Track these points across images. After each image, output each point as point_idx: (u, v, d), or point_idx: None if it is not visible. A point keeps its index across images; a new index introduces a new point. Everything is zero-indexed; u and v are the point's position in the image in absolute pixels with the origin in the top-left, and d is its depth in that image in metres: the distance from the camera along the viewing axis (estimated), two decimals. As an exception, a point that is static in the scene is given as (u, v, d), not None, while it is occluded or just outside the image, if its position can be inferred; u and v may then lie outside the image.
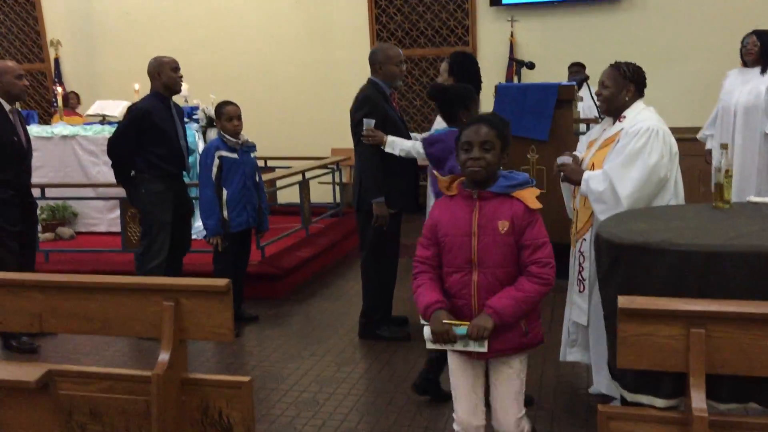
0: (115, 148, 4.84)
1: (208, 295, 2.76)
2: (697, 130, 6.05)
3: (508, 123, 2.67)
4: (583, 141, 3.76)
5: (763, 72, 5.48)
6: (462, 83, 4.39)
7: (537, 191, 2.59)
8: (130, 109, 4.92)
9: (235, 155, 4.79)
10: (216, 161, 4.73)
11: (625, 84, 3.37)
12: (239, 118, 4.81)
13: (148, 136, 4.75)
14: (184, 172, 5.12)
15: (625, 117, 3.37)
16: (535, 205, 2.54)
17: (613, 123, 3.43)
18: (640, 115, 3.34)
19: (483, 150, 2.52)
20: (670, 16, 8.04)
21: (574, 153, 3.66)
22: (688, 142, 6.07)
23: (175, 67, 4.81)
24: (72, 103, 9.32)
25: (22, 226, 4.67)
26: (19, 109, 4.83)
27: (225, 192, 4.79)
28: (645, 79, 3.43)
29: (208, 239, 4.81)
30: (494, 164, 2.55)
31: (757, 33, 5.52)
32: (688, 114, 7.46)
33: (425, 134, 4.24)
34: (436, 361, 3.64)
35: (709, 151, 5.84)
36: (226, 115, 4.78)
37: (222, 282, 2.77)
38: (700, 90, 7.61)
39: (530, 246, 2.54)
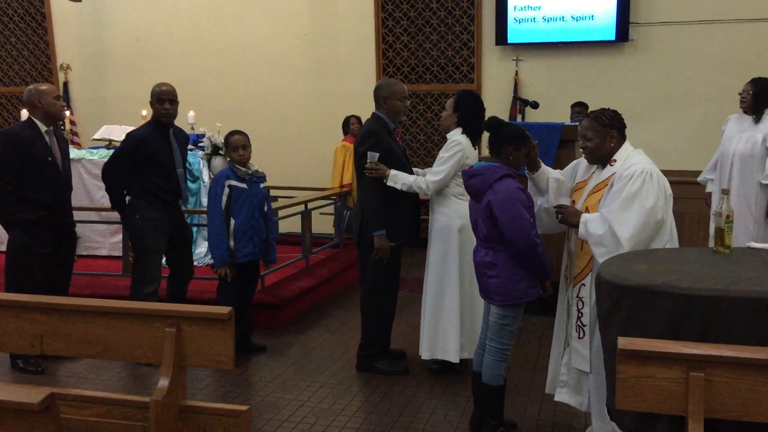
0: (108, 173, 4.89)
1: (210, 323, 2.77)
2: (700, 173, 6.10)
3: None
4: (567, 169, 3.78)
5: (756, 121, 5.56)
6: (466, 120, 4.47)
7: None
8: (127, 136, 4.96)
9: (244, 185, 4.80)
10: (225, 190, 4.75)
11: (607, 132, 3.41)
12: (245, 147, 4.81)
13: (143, 164, 4.80)
14: (189, 198, 5.13)
15: (615, 160, 3.42)
16: None
17: (604, 167, 3.48)
18: (631, 158, 3.38)
19: None
20: (674, 60, 8.14)
21: (558, 176, 3.70)
22: (692, 185, 6.12)
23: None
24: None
25: (55, 248, 4.68)
26: (60, 131, 4.87)
27: (232, 222, 4.78)
28: (623, 121, 3.48)
29: (216, 269, 4.80)
30: None
31: (754, 81, 5.59)
32: (691, 157, 7.53)
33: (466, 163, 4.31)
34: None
35: (710, 195, 5.89)
36: (232, 145, 4.80)
37: (224, 310, 2.78)
38: (703, 134, 7.68)
39: None
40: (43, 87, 4.68)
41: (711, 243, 5.66)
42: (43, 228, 4.60)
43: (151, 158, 4.80)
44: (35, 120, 4.64)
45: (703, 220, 6.18)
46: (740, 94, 5.66)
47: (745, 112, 5.65)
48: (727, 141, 5.71)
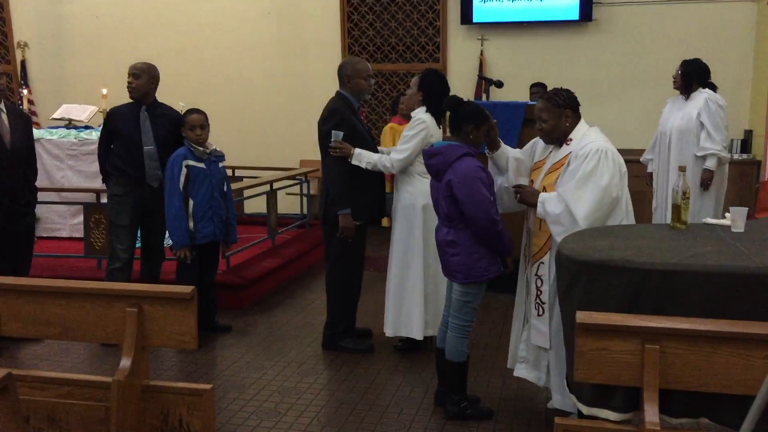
0: (98, 149, 5.05)
1: (172, 302, 2.76)
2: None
3: None
4: (526, 148, 3.82)
5: (686, 98, 5.83)
6: (430, 99, 4.47)
7: None
8: None
9: (202, 165, 4.73)
10: (183, 170, 4.69)
11: (562, 111, 3.46)
12: (203, 127, 4.72)
13: (112, 139, 4.89)
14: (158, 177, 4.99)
15: (571, 140, 3.46)
16: None
17: (560, 146, 3.52)
18: (586, 137, 3.43)
19: None
20: (636, 40, 8.22)
21: (518, 155, 3.74)
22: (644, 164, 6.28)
23: None
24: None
25: (6, 229, 4.56)
26: (20, 110, 4.75)
27: (191, 202, 4.71)
28: (577, 99, 3.53)
29: (175, 251, 4.75)
30: None
31: (683, 62, 5.87)
32: (650, 137, 7.62)
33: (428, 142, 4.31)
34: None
35: (650, 174, 6.10)
36: (189, 124, 4.71)
37: (187, 289, 2.77)
38: (657, 116, 7.79)
39: None
40: None
41: (654, 220, 5.93)
42: None
43: (116, 134, 4.85)
44: None
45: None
46: (673, 76, 5.91)
47: (681, 94, 5.90)
48: (664, 121, 6.01)
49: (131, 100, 4.88)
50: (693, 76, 5.77)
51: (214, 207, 4.80)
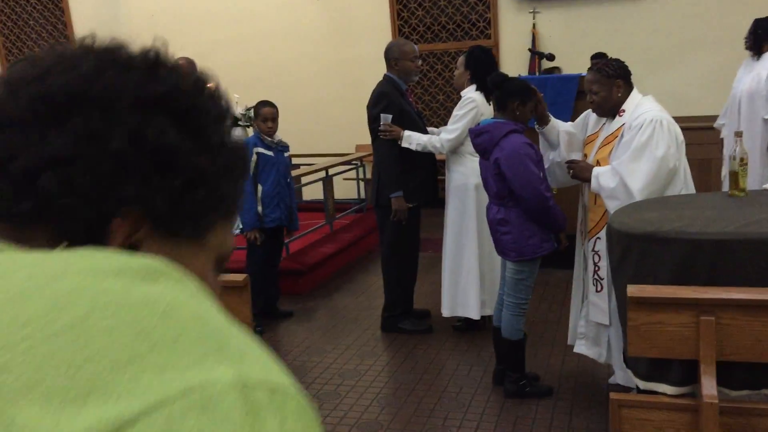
0: None
1: (226, 291, 2.83)
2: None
3: None
4: (578, 121, 3.74)
5: (757, 58, 5.54)
6: (478, 76, 4.43)
7: None
8: None
9: (271, 153, 4.90)
10: (253, 157, 4.84)
11: (612, 82, 3.36)
12: (274, 120, 4.91)
13: None
14: None
15: (624, 111, 3.37)
16: None
17: (613, 118, 3.43)
18: (640, 107, 3.33)
19: None
20: (695, 5, 7.93)
21: (569, 129, 3.67)
22: (710, 131, 6.03)
23: None
24: None
25: None
26: None
27: (260, 188, 4.89)
28: (628, 69, 3.42)
29: (245, 233, 4.91)
30: None
31: (755, 20, 5.59)
32: (711, 103, 7.36)
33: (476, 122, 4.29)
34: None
35: (722, 140, 5.84)
36: (262, 116, 4.91)
37: (240, 277, 2.84)
38: (724, 79, 7.48)
39: None
40: None
41: (724, 188, 5.66)
42: None
43: None
44: None
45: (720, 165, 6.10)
46: (745, 36, 5.65)
47: (752, 54, 5.64)
48: (736, 83, 5.70)
49: None
50: (762, 34, 5.48)
51: (281, 194, 4.97)
